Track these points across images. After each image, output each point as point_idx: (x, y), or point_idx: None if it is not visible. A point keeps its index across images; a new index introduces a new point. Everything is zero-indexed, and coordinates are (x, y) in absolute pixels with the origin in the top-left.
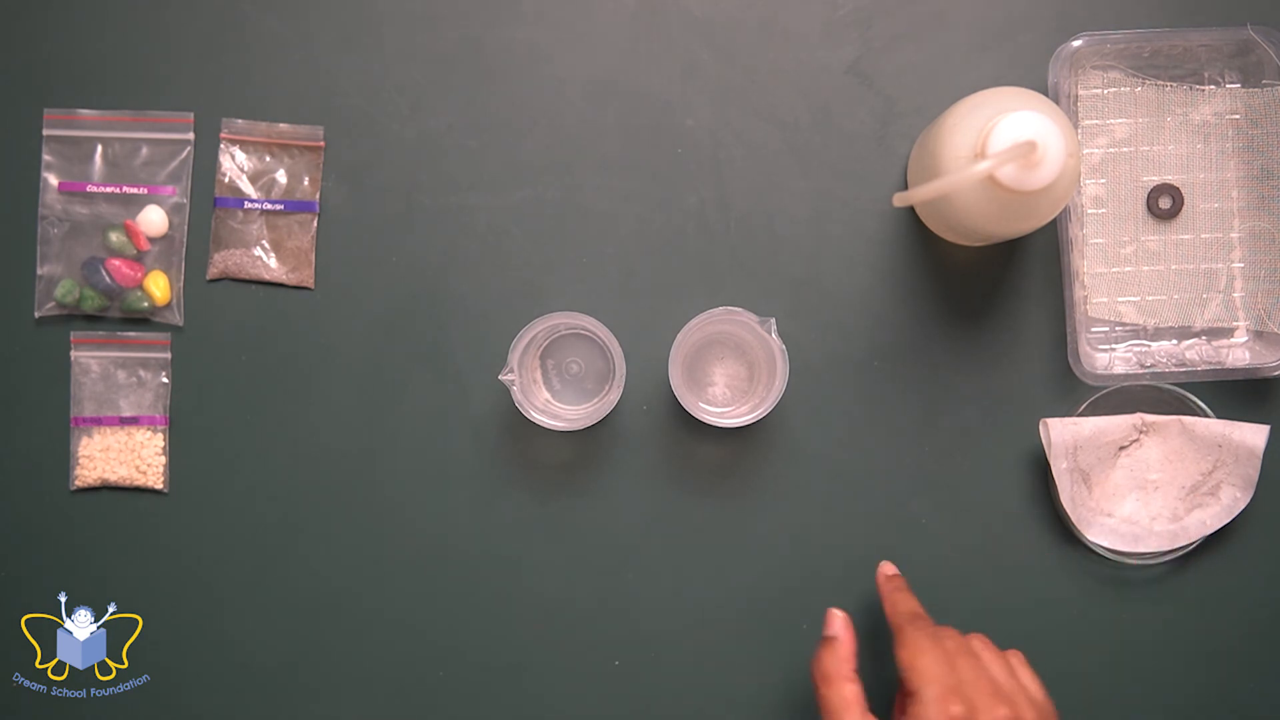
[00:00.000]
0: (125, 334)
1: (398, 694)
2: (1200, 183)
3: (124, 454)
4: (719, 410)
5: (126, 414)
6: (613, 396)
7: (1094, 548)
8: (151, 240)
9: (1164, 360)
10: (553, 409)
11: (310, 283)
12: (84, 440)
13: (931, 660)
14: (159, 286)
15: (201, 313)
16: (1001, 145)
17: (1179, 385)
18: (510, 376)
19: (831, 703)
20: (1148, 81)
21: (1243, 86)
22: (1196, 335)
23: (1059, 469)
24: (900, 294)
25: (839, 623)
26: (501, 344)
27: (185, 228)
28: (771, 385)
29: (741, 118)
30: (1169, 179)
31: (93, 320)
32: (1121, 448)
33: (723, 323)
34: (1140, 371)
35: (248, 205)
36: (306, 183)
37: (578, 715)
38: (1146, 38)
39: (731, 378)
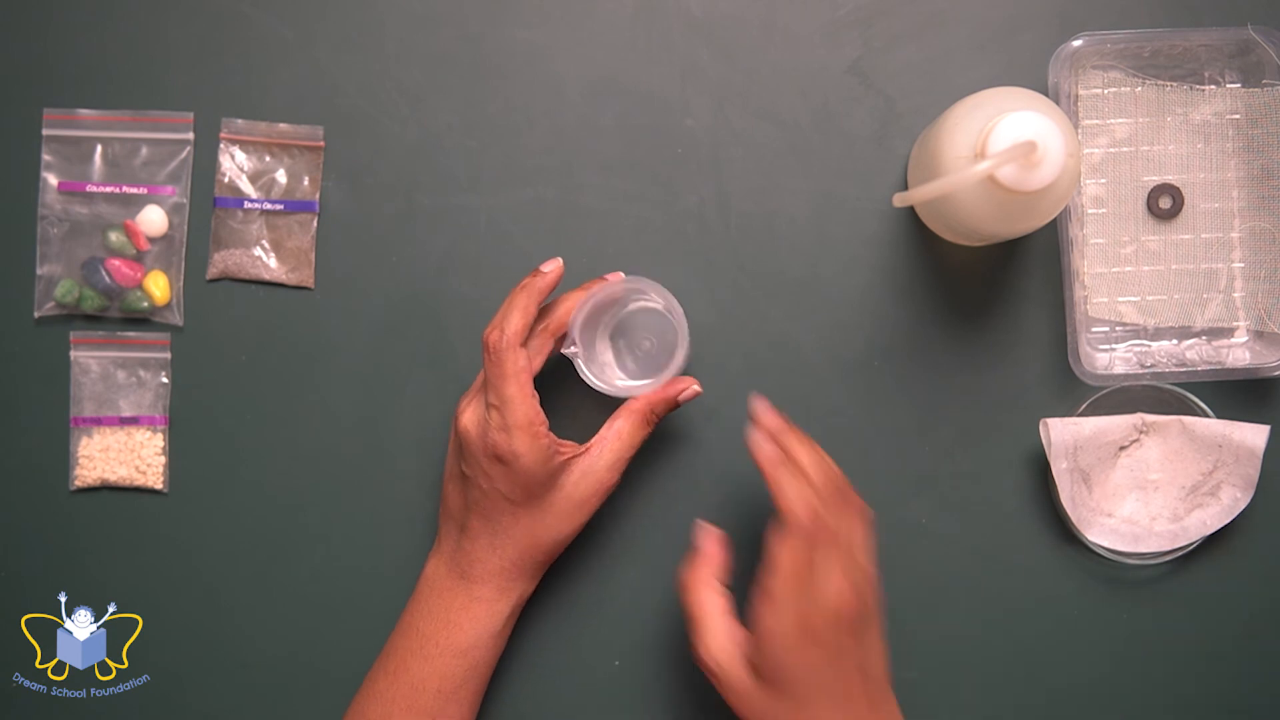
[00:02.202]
0: (125, 334)
1: None
2: (1200, 183)
3: (124, 454)
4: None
5: (126, 414)
6: (679, 358)
7: (1094, 548)
8: (151, 240)
9: (1164, 360)
10: (618, 385)
11: (310, 283)
12: (84, 440)
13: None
14: (159, 286)
15: (201, 313)
16: (1001, 145)
17: (1179, 385)
18: (574, 350)
19: (692, 610)
20: (1148, 81)
21: (1243, 86)
22: (1197, 335)
23: (1059, 469)
24: (900, 294)
25: (711, 539)
26: None
27: (185, 228)
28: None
29: (741, 118)
30: (1169, 179)
31: (92, 320)
32: (1121, 448)
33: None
34: (1140, 371)
35: (248, 205)
36: (306, 183)
37: (577, 715)
38: (1146, 38)
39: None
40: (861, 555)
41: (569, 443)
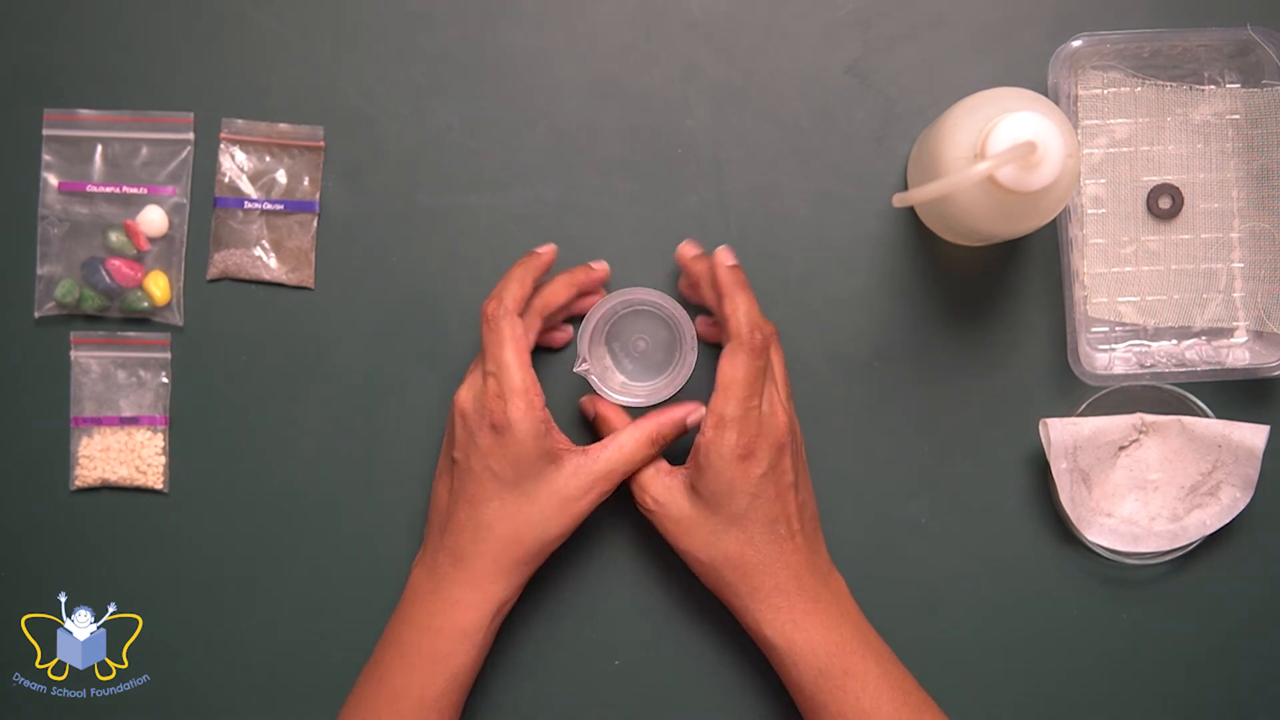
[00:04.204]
0: (125, 334)
1: None
2: (1200, 183)
3: (124, 454)
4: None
5: (126, 414)
6: (690, 360)
7: (1094, 548)
8: (151, 240)
9: (1164, 360)
10: (630, 389)
11: (310, 283)
12: (84, 440)
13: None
14: (159, 286)
15: (201, 313)
16: (1001, 146)
17: (1179, 385)
18: (585, 367)
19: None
20: (1148, 81)
21: (1243, 86)
22: (1196, 335)
23: (1059, 469)
24: (900, 294)
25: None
26: None
27: (185, 228)
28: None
29: (741, 118)
30: (1169, 179)
31: (93, 320)
32: (1121, 448)
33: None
34: (1140, 371)
35: (248, 205)
36: (306, 183)
37: (577, 715)
38: (1146, 38)
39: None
40: (787, 388)
41: (567, 439)
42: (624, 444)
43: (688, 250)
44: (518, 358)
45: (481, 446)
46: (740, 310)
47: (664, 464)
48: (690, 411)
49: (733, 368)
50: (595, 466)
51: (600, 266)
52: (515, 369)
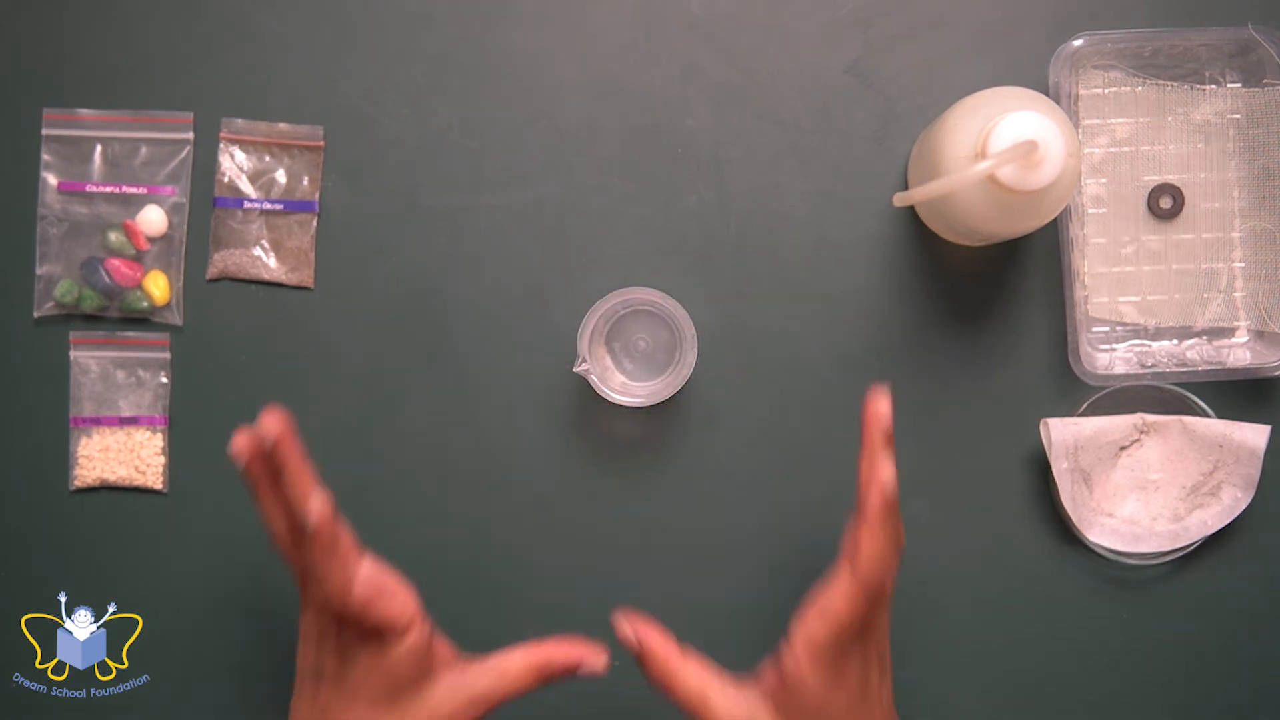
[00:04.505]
0: (125, 334)
1: None
2: (1201, 182)
3: (123, 454)
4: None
5: (126, 414)
6: (690, 359)
7: (1094, 548)
8: (151, 240)
9: (1165, 360)
10: (630, 389)
11: (310, 283)
12: (83, 440)
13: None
14: (158, 286)
15: (201, 313)
16: (1002, 145)
17: (1180, 385)
18: (584, 367)
19: (688, 695)
20: (1148, 81)
21: (1243, 86)
22: (1197, 335)
23: (1059, 469)
24: (900, 294)
25: (646, 631)
26: (502, 344)
27: (185, 228)
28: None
29: (741, 118)
30: (1170, 179)
31: (92, 320)
32: (1122, 448)
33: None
34: (1141, 371)
35: (247, 205)
36: (306, 183)
37: (578, 715)
38: (1147, 37)
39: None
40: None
41: (449, 647)
42: (508, 670)
43: (882, 410)
44: (381, 598)
45: (356, 662)
46: (869, 550)
47: (729, 685)
48: (589, 658)
49: (844, 601)
50: (472, 690)
51: (274, 421)
52: (386, 603)
